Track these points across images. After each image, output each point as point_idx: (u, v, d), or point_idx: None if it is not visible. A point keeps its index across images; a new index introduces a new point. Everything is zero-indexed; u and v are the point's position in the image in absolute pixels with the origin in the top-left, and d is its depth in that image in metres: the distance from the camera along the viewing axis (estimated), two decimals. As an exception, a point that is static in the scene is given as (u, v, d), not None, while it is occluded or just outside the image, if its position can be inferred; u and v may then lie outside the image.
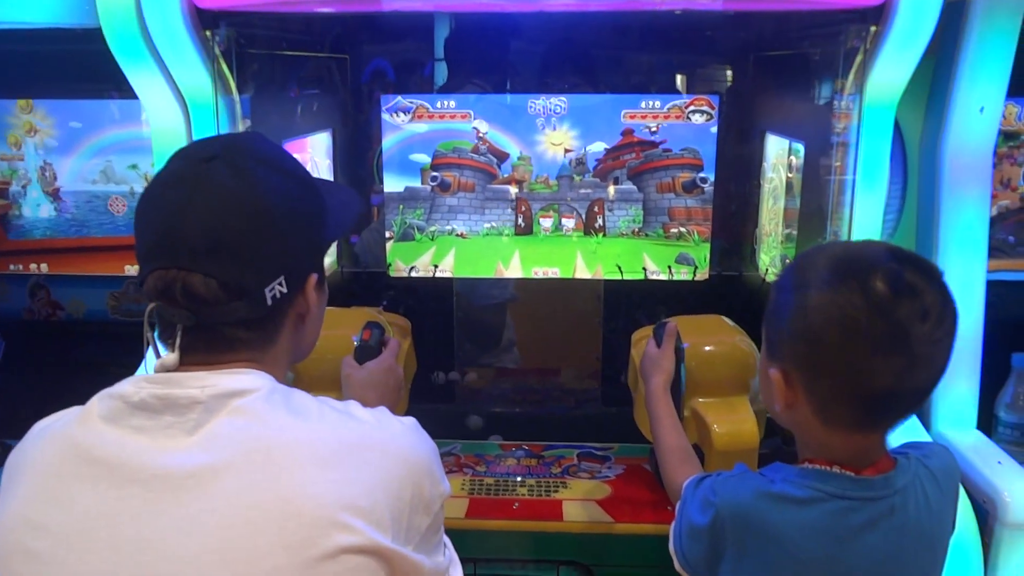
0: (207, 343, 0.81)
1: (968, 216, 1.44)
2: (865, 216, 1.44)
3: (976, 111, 1.37)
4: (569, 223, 1.80)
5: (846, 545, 0.88)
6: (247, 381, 0.80)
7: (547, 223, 1.81)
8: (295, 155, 1.59)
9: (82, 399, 0.82)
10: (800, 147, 1.63)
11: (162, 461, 0.75)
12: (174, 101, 1.52)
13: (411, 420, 0.87)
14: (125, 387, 0.79)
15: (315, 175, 1.81)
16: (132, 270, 1.91)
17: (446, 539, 0.91)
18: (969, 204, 1.43)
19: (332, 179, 1.89)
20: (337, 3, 1.37)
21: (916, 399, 0.89)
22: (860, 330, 0.83)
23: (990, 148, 1.42)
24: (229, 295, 0.79)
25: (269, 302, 0.81)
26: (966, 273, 1.45)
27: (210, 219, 0.78)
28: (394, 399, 1.25)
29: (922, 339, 0.83)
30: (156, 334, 0.83)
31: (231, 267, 0.79)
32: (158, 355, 0.82)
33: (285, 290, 0.83)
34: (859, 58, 1.38)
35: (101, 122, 1.91)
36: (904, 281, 0.83)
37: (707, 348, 1.32)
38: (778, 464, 0.96)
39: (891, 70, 1.35)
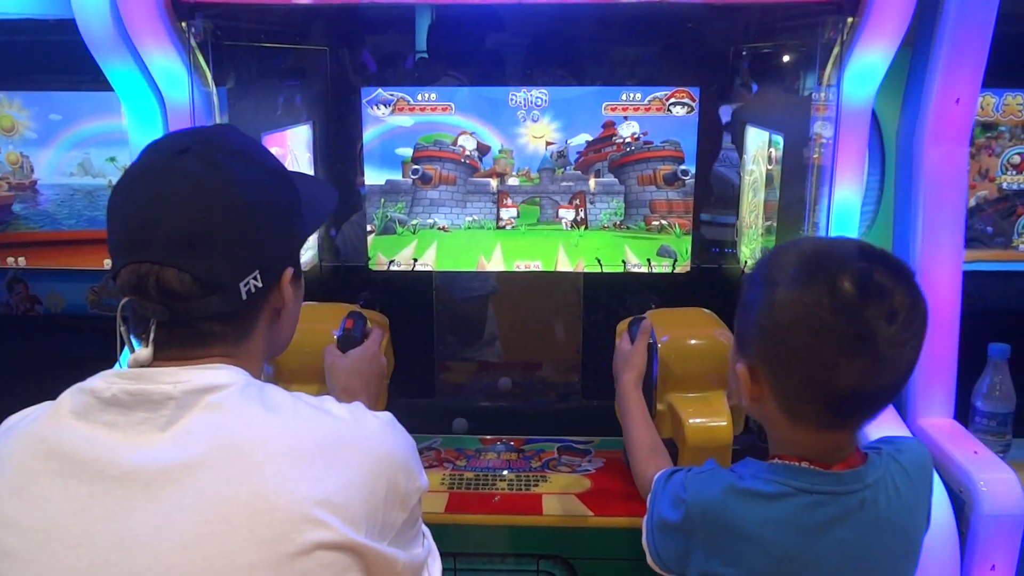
0: (181, 338, 0.81)
1: (944, 208, 1.44)
2: (843, 208, 1.45)
3: (952, 103, 1.38)
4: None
5: (815, 539, 0.89)
6: (221, 376, 0.79)
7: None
8: (274, 148, 1.57)
9: (59, 395, 0.81)
10: (779, 139, 1.63)
11: (134, 457, 0.75)
12: (150, 94, 1.51)
13: (387, 415, 0.87)
14: (96, 382, 0.79)
15: (295, 168, 1.81)
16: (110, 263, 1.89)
17: (425, 530, 0.91)
18: (946, 199, 1.44)
19: (312, 172, 1.88)
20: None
21: (882, 399, 0.89)
22: (825, 330, 0.83)
23: (966, 140, 1.43)
24: (203, 289, 0.79)
25: (244, 296, 0.81)
26: (943, 264, 1.46)
27: (183, 212, 0.78)
28: (378, 387, 1.24)
29: (888, 340, 0.83)
30: (130, 329, 0.82)
31: (205, 261, 0.78)
32: (132, 350, 0.81)
33: (260, 284, 0.82)
34: (836, 50, 1.39)
35: (78, 114, 1.89)
36: (872, 281, 0.83)
37: (685, 342, 1.32)
38: (748, 459, 0.97)
39: (868, 62, 1.36)
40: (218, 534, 0.72)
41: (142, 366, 0.80)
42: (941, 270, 1.46)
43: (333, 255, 1.89)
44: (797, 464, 0.91)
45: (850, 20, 1.34)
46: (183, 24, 1.43)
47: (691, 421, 1.25)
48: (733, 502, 0.91)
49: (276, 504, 0.73)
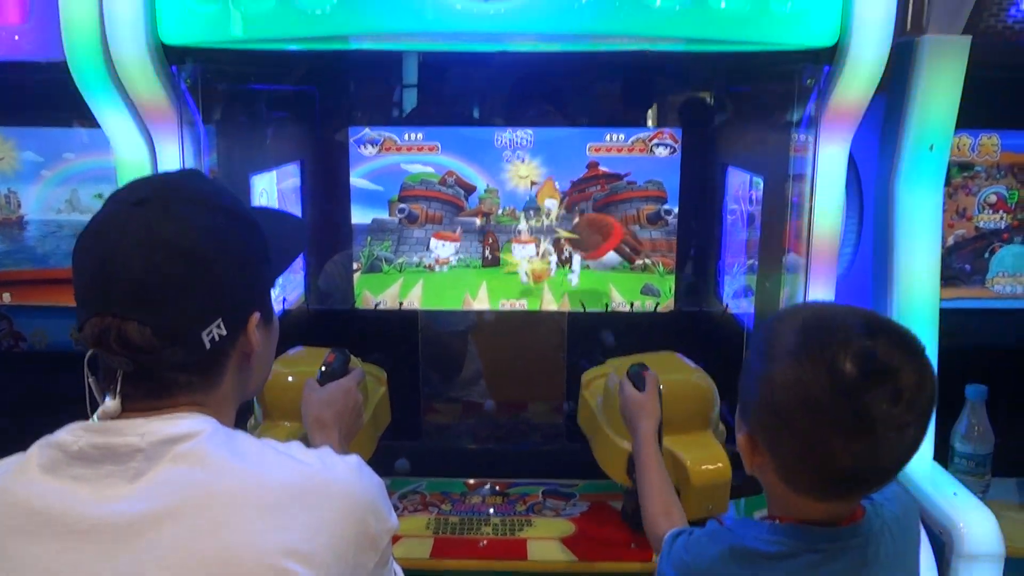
0: (147, 388, 0.81)
1: (919, 251, 1.47)
2: (822, 250, 1.48)
3: (926, 149, 1.41)
4: (528, 250, 1.81)
5: None
6: (188, 425, 0.80)
7: (521, 253, 1.82)
8: (262, 186, 1.57)
9: (43, 432, 0.81)
10: (760, 180, 1.66)
11: (102, 511, 0.75)
12: (139, 136, 1.52)
13: (354, 458, 0.87)
14: (64, 436, 0.79)
15: (282, 207, 1.82)
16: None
17: (397, 569, 0.91)
18: (922, 242, 1.47)
19: (300, 211, 1.89)
20: (305, 41, 1.38)
21: (884, 477, 0.87)
22: (823, 411, 0.80)
23: (940, 185, 1.46)
24: (164, 341, 0.79)
25: (207, 345, 0.81)
26: (918, 306, 1.48)
27: (140, 265, 0.78)
28: (351, 422, 1.24)
29: (890, 423, 0.80)
30: (98, 379, 0.82)
31: (164, 313, 0.79)
32: (101, 401, 0.82)
33: (224, 332, 0.82)
34: (814, 96, 1.42)
35: (67, 150, 1.89)
36: (876, 361, 0.80)
37: (671, 385, 1.34)
38: (746, 520, 0.96)
39: (844, 108, 1.39)
40: None
41: (111, 418, 0.80)
42: (917, 312, 1.48)
43: (319, 295, 1.90)
44: (797, 524, 0.90)
45: (827, 68, 1.37)
46: (174, 68, 1.44)
47: (694, 465, 1.28)
48: (736, 564, 0.91)
49: (244, 557, 0.74)
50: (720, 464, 1.29)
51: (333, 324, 1.70)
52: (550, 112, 1.80)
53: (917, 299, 1.51)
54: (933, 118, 1.40)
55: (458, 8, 1.28)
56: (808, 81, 1.39)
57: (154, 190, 0.83)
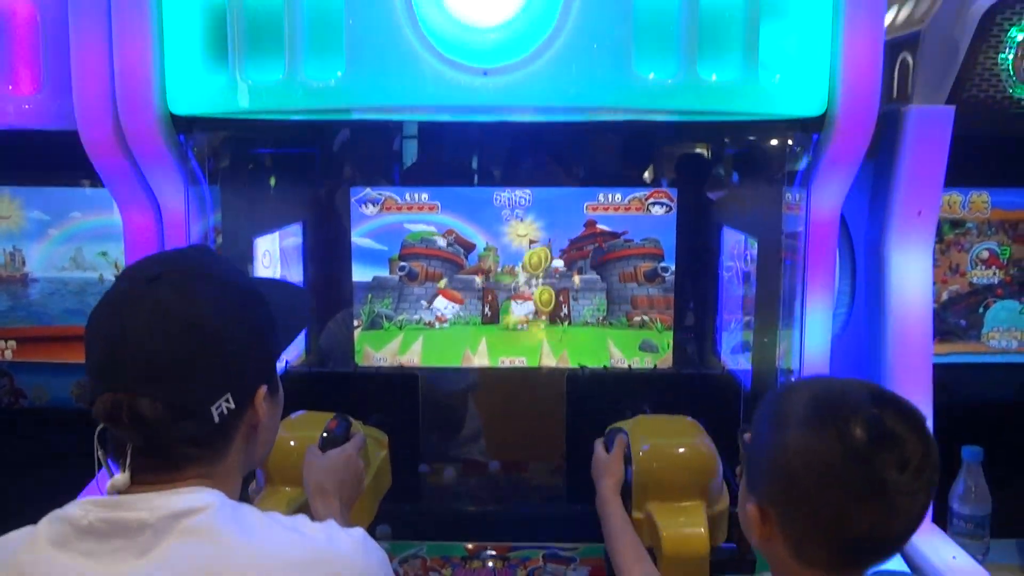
0: (157, 462, 0.83)
1: (913, 316, 1.50)
2: (816, 312, 1.50)
3: (914, 215, 1.44)
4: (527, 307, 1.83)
5: None
6: (196, 499, 0.81)
7: (520, 311, 1.84)
8: (265, 248, 1.60)
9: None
10: (754, 241, 1.69)
11: None
12: (146, 201, 1.55)
13: (359, 532, 0.88)
14: (73, 510, 0.80)
15: (284, 265, 1.84)
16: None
17: None
18: (913, 304, 1.49)
19: (302, 270, 1.91)
20: (308, 112, 1.42)
21: (893, 545, 0.88)
22: (837, 477, 0.83)
23: (929, 251, 1.49)
24: (175, 416, 0.81)
25: (217, 420, 0.83)
26: (913, 369, 1.50)
27: (152, 343, 0.81)
28: (352, 490, 1.25)
29: (900, 488, 0.82)
30: (108, 452, 0.84)
31: (175, 389, 0.81)
32: (110, 474, 0.83)
33: (233, 406, 0.84)
34: (804, 162, 1.46)
35: (74, 209, 1.92)
36: (884, 428, 0.83)
37: (665, 451, 1.34)
38: None
39: (834, 174, 1.43)
40: None
41: (120, 491, 0.82)
42: (911, 374, 1.50)
43: (320, 354, 1.91)
44: None
45: (815, 137, 1.41)
46: (182, 136, 1.48)
47: (667, 532, 1.26)
48: None
49: None
50: (697, 536, 1.26)
51: (334, 385, 1.72)
52: (548, 171, 1.84)
53: (911, 360, 1.53)
54: (921, 186, 1.44)
55: (458, 82, 1.32)
56: (798, 149, 1.43)
57: (165, 267, 0.86)
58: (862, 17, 1.31)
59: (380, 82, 1.34)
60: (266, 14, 1.36)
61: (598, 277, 1.84)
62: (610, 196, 1.80)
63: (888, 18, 1.63)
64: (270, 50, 1.36)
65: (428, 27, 1.30)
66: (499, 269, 1.84)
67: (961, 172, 1.52)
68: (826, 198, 1.45)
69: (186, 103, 1.44)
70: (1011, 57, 1.39)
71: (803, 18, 1.33)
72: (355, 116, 1.45)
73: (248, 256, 1.70)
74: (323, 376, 1.74)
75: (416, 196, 1.82)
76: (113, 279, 1.86)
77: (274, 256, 1.82)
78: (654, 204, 1.81)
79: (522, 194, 1.81)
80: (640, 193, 1.80)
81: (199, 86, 1.42)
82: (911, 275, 1.49)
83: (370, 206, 1.83)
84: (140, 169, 1.50)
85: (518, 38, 1.30)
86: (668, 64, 1.32)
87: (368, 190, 1.82)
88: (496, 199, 1.82)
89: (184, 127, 1.47)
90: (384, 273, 1.85)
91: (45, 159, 1.84)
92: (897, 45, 1.52)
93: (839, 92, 1.35)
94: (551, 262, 1.82)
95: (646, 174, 1.87)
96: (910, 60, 1.46)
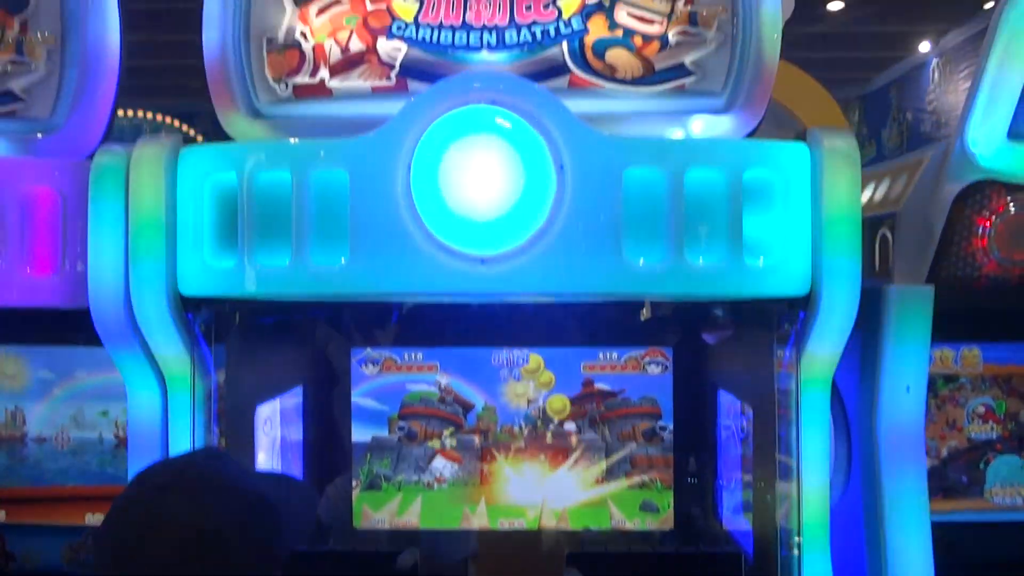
0: None
1: (908, 488, 1.50)
2: (811, 479, 1.49)
3: (903, 390, 1.47)
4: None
5: None
6: None
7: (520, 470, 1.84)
8: (266, 416, 1.62)
9: None
10: (749, 409, 1.71)
11: None
12: (152, 375, 1.58)
13: None
14: None
15: (284, 427, 1.85)
16: (93, 519, 1.88)
17: None
18: (907, 477, 1.50)
19: (302, 432, 1.92)
20: (313, 296, 1.48)
21: None
22: None
23: (920, 424, 1.51)
24: None
25: None
26: (912, 545, 1.49)
27: (163, 550, 0.83)
28: None
29: None
30: None
31: None
32: None
33: None
34: (792, 337, 1.50)
35: (79, 368, 1.94)
36: None
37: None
38: None
39: (822, 348, 1.46)
40: None
41: None
42: (910, 540, 1.49)
43: (320, 528, 1.89)
44: None
45: (802, 314, 1.46)
46: (189, 315, 1.53)
47: None
48: None
49: None
50: None
51: (334, 568, 1.68)
52: (545, 332, 1.88)
53: (909, 529, 1.52)
54: (907, 362, 1.48)
55: (457, 270, 1.38)
56: (786, 325, 1.48)
57: (175, 476, 0.90)
58: (840, 206, 1.38)
59: (382, 269, 1.40)
60: (274, 202, 1.44)
61: (598, 436, 1.85)
62: (607, 355, 1.84)
63: (865, 196, 1.72)
64: (277, 236, 1.43)
65: (428, 218, 1.38)
66: (498, 429, 1.85)
67: (951, 327, 1.56)
68: (817, 368, 1.48)
69: (195, 285, 1.49)
70: (984, 239, 1.46)
71: (784, 207, 1.41)
72: (359, 299, 1.50)
73: (250, 425, 1.72)
74: (324, 555, 1.71)
75: (415, 356, 1.86)
76: (112, 439, 1.90)
77: (275, 421, 1.84)
78: (650, 363, 1.84)
79: (520, 354, 1.85)
80: (636, 352, 1.84)
81: (208, 270, 1.48)
82: (904, 447, 1.50)
83: (370, 366, 1.86)
84: (147, 346, 1.54)
85: (514, 228, 1.37)
86: (657, 251, 1.38)
87: (368, 350, 1.86)
88: (494, 359, 1.85)
89: (192, 307, 1.52)
90: (383, 433, 1.86)
91: (53, 323, 1.89)
92: (876, 221, 1.60)
93: (822, 273, 1.41)
94: (568, 412, 1.83)
95: (642, 333, 1.91)
96: (889, 236, 1.53)
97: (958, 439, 1.85)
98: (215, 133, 1.67)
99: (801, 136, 1.41)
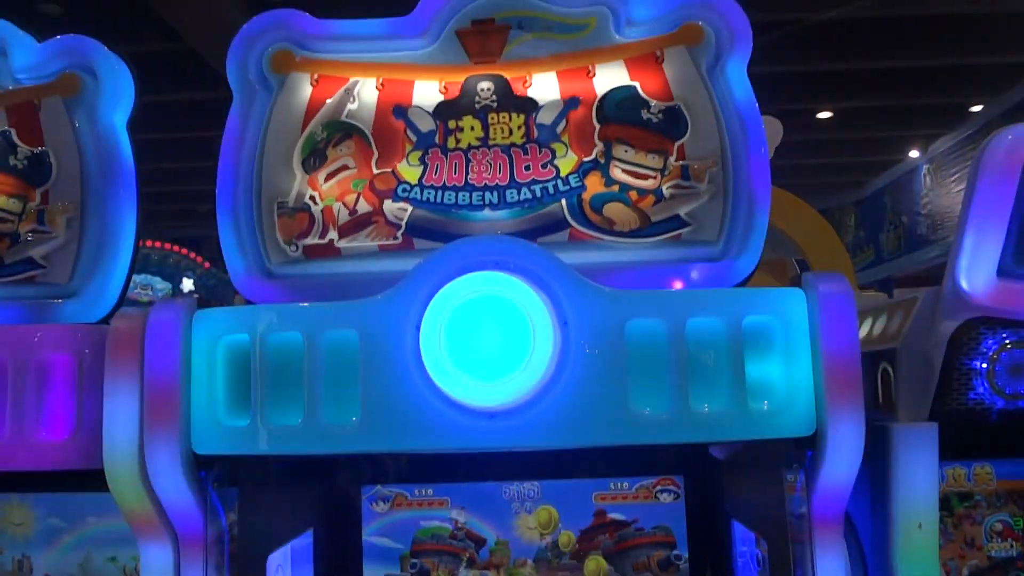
0: None
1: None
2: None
3: (915, 527, 1.47)
4: None
5: None
6: None
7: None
8: (277, 563, 1.62)
9: None
10: (763, 541, 1.70)
11: None
12: (163, 531, 1.58)
13: None
14: None
15: (295, 570, 1.83)
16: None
17: None
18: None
19: (312, 573, 1.90)
20: (324, 452, 1.49)
21: None
22: None
23: (935, 556, 1.50)
24: None
25: None
26: None
27: None
28: None
29: None
30: None
31: None
32: None
33: None
34: (802, 475, 1.50)
35: (90, 514, 1.93)
36: None
37: None
38: None
39: (831, 484, 1.46)
40: None
41: None
42: None
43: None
44: None
45: (809, 453, 1.47)
46: (202, 473, 1.54)
47: None
48: None
49: None
50: None
51: None
52: (554, 464, 1.88)
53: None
54: (917, 499, 1.48)
55: (465, 426, 1.40)
56: (793, 465, 1.49)
57: None
58: (839, 348, 1.41)
59: (392, 426, 1.42)
60: (286, 362, 1.47)
61: (612, 568, 1.83)
62: (618, 485, 1.83)
63: (864, 331, 1.76)
64: (289, 395, 1.46)
65: (437, 376, 1.40)
66: (511, 563, 1.84)
67: (961, 445, 1.56)
68: (828, 504, 1.48)
69: (209, 444, 1.51)
70: (984, 374, 1.48)
71: (785, 351, 1.44)
72: (369, 454, 1.51)
73: (261, 574, 1.70)
74: None
75: (425, 491, 1.86)
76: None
77: (286, 567, 1.82)
78: (662, 492, 1.84)
79: (531, 487, 1.85)
80: (647, 481, 1.83)
81: (222, 429, 1.50)
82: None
83: (381, 503, 1.86)
84: (159, 503, 1.55)
85: (521, 384, 1.40)
86: (662, 400, 1.41)
87: (379, 487, 1.86)
88: (505, 492, 1.85)
89: (205, 464, 1.54)
90: (395, 571, 1.84)
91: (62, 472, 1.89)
92: (877, 356, 1.62)
93: (826, 413, 1.43)
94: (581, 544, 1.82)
95: (653, 461, 1.91)
96: (890, 370, 1.56)
97: (978, 558, 1.82)
98: (222, 259, 1.73)
99: (797, 281, 1.46)
